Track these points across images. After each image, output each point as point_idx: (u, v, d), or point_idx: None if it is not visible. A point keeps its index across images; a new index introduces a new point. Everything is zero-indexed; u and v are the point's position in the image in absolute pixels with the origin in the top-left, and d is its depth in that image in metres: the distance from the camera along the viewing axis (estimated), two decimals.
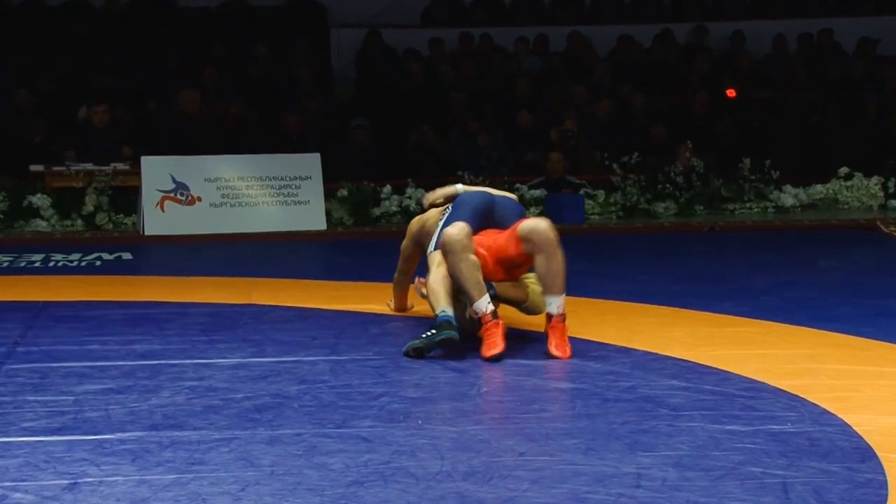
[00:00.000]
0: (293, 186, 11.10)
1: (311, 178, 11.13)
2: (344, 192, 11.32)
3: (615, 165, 11.69)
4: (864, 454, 3.99)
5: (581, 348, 5.67)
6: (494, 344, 5.40)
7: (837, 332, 5.97)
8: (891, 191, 11.69)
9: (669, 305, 6.82)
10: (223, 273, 8.33)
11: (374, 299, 7.03)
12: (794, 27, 14.67)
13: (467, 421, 4.45)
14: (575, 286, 7.47)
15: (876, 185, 11.66)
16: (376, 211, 11.39)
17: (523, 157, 12.44)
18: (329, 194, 11.28)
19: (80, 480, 3.74)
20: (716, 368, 5.25)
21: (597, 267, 8.33)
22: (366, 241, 10.36)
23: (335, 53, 14.77)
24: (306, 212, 11.04)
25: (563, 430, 4.32)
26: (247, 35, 13.95)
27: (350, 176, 11.41)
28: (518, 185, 11.56)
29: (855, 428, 4.27)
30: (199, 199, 10.95)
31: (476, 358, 5.46)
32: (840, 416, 4.43)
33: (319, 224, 11.01)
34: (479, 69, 13.95)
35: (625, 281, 7.77)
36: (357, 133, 12.32)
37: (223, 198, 10.99)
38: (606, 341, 5.85)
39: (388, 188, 11.50)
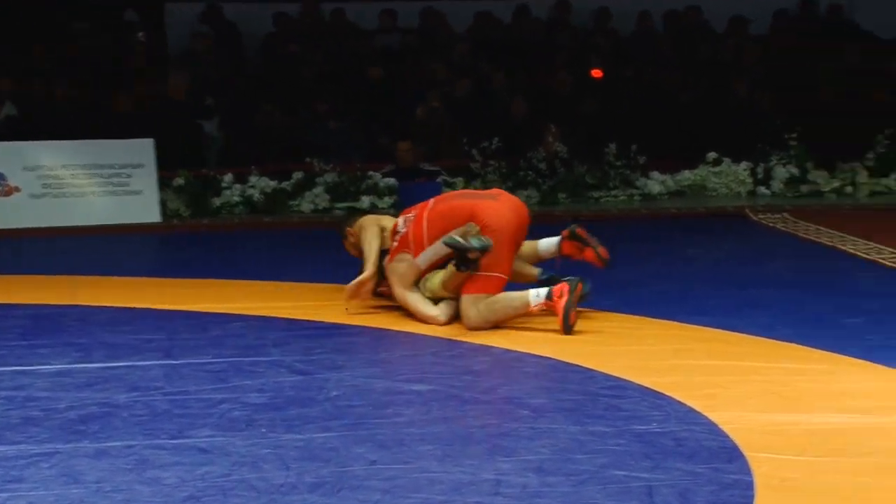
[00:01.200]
0: (124, 175, 10.93)
1: (143, 165, 10.97)
2: (180, 182, 11.17)
3: (475, 151, 11.76)
4: (731, 454, 4.09)
5: (438, 347, 5.71)
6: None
7: (705, 325, 6.11)
8: (760, 177, 11.99)
9: None
10: (45, 271, 8.17)
11: (212, 297, 6.97)
12: (661, 3, 14.94)
13: (314, 428, 4.45)
14: None
15: (745, 171, 11.94)
16: (216, 201, 11.27)
17: (378, 141, 12.44)
18: (164, 183, 11.13)
19: None
20: (579, 366, 5.32)
21: None
22: (205, 235, 10.26)
23: (170, 30, 14.55)
24: (139, 203, 10.89)
25: (417, 436, 4.34)
26: (72, 9, 13.65)
27: (187, 163, 11.28)
28: (371, 173, 11.56)
29: (722, 427, 4.38)
30: (18, 189, 10.72)
31: (324, 360, 5.46)
32: (707, 414, 4.54)
33: (153, 216, 10.87)
34: (329, 46, 13.90)
35: None
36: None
37: (45, 188, 10.77)
38: (464, 339, 5.89)
39: (229, 176, 11.39)
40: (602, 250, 6.52)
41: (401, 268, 6.38)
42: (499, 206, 6.29)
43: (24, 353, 5.62)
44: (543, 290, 6.07)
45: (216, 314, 6.54)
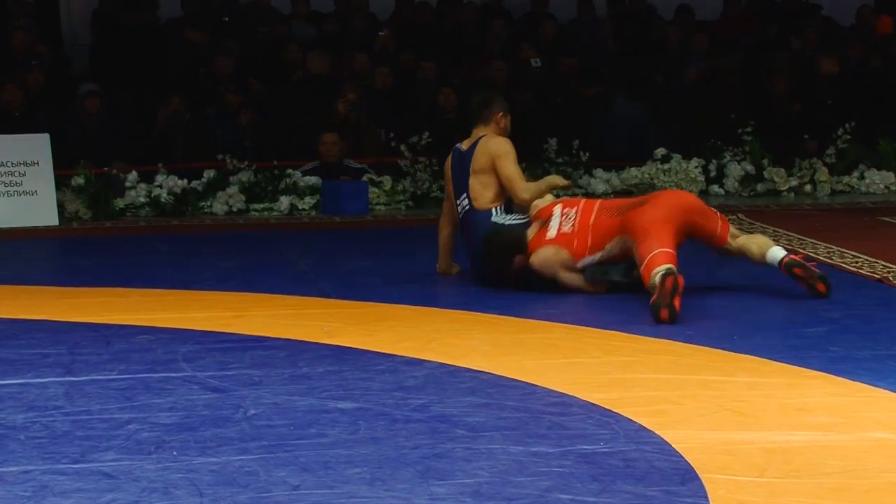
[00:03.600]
0: (17, 174, 10.83)
1: (38, 163, 10.88)
2: (80, 181, 11.09)
3: (403, 147, 11.77)
4: (685, 475, 4.13)
5: (366, 361, 5.71)
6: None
7: (655, 336, 6.16)
8: (713, 174, 12.11)
9: (467, 309, 6.91)
10: None
11: (117, 308, 6.93)
12: None
13: (231, 450, 4.43)
14: (358, 287, 7.55)
15: (696, 168, 12.06)
16: (120, 202, 11.20)
17: (296, 137, 12.40)
18: (61, 183, 11.04)
19: None
20: (520, 381, 5.35)
21: (382, 265, 8.38)
22: (107, 239, 10.19)
23: (65, 15, 14.44)
24: (33, 204, 10.80)
25: (344, 458, 4.34)
26: None
27: (87, 161, 11.18)
28: (290, 171, 11.53)
29: (674, 446, 4.42)
30: None
31: (241, 376, 5.45)
32: (658, 432, 4.57)
33: (50, 219, 10.78)
34: (242, 34, 13.84)
35: (416, 281, 7.84)
36: (88, 102, 11.99)
37: None
38: (395, 352, 5.90)
39: (133, 175, 11.32)
40: (821, 286, 7.06)
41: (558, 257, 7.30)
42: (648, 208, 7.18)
43: None
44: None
45: (121, 326, 6.50)
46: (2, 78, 12.09)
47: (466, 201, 7.65)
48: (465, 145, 7.80)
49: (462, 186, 7.67)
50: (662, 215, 7.07)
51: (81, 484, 4.05)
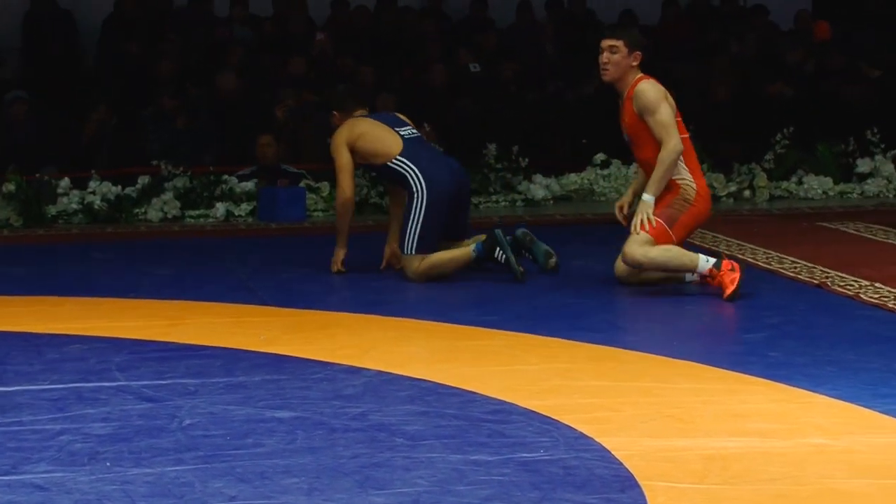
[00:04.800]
0: None
1: None
2: (11, 187, 10.99)
3: None
4: (625, 483, 4.16)
5: (303, 370, 5.70)
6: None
7: (595, 343, 6.18)
8: None
9: (405, 316, 6.91)
10: None
11: (49, 317, 6.88)
12: None
13: (166, 461, 4.42)
14: (296, 295, 7.54)
15: (635, 174, 12.10)
16: (52, 209, 11.11)
17: (231, 141, 12.36)
18: None
19: None
20: (458, 389, 5.36)
21: (321, 272, 8.36)
22: (39, 247, 10.11)
23: None
24: None
25: (281, 468, 4.33)
26: None
27: (16, 167, 11.08)
28: (226, 177, 11.48)
29: (614, 453, 4.44)
30: None
31: (176, 385, 5.43)
32: (598, 439, 4.60)
33: None
34: (179, 38, 13.77)
35: (355, 288, 7.84)
36: (15, 108, 11.90)
37: None
38: (333, 360, 5.89)
39: (66, 181, 11.24)
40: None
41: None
42: None
43: None
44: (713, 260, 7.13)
45: (54, 335, 6.45)
46: None
47: None
48: None
49: None
50: None
51: (13, 496, 4.02)
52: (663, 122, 7.27)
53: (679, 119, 7.37)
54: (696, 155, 7.57)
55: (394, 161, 7.92)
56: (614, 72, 7.40)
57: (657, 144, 7.29)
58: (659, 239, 7.20)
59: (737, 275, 7.02)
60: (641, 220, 7.17)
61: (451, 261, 7.86)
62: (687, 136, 7.41)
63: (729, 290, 6.98)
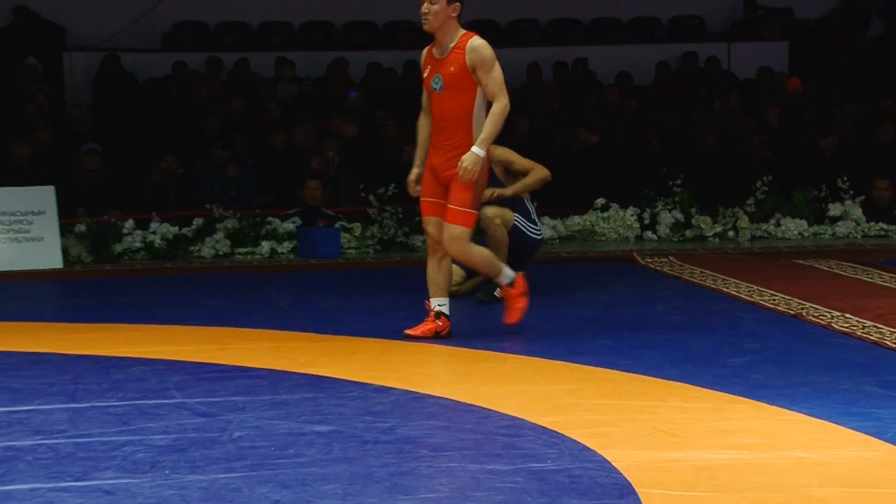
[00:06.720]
0: (25, 222, 10.75)
1: (44, 212, 10.80)
2: (82, 228, 11.04)
3: (371, 197, 11.79)
4: (623, 490, 4.15)
5: (338, 389, 5.70)
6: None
7: (597, 365, 6.18)
8: (646, 222, 12.16)
9: (428, 342, 6.91)
10: None
11: (116, 342, 6.89)
12: (549, 55, 15.17)
13: (218, 468, 4.42)
14: (331, 323, 7.54)
15: (632, 216, 12.11)
16: (118, 247, 11.15)
17: (276, 188, 12.40)
18: (65, 230, 10.98)
19: None
20: (476, 406, 5.35)
21: (353, 302, 8.38)
22: (106, 280, 10.14)
23: (68, 78, 14.42)
24: (40, 249, 10.70)
25: (319, 476, 4.33)
26: None
27: (86, 210, 11.13)
28: (271, 219, 11.52)
29: (614, 464, 4.44)
30: None
31: (227, 402, 5.43)
32: (600, 451, 4.59)
33: (55, 262, 10.69)
34: (230, 95, 13.84)
35: (382, 317, 7.83)
36: (88, 159, 11.97)
37: None
38: (364, 380, 5.89)
39: (130, 223, 11.29)
40: None
41: None
42: None
43: None
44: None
45: (119, 358, 6.46)
46: (12, 135, 12.04)
47: None
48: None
49: None
50: None
51: (83, 500, 4.03)
52: (498, 80, 6.72)
53: None
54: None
55: None
56: (434, 21, 6.72)
57: (469, 100, 6.72)
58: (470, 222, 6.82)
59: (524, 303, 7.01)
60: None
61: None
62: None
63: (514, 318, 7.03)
